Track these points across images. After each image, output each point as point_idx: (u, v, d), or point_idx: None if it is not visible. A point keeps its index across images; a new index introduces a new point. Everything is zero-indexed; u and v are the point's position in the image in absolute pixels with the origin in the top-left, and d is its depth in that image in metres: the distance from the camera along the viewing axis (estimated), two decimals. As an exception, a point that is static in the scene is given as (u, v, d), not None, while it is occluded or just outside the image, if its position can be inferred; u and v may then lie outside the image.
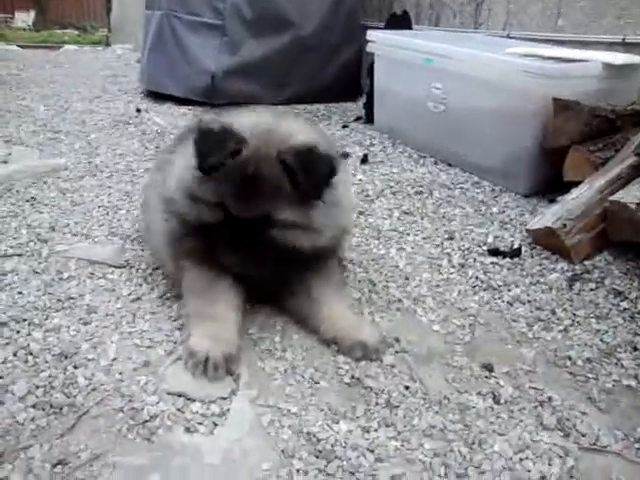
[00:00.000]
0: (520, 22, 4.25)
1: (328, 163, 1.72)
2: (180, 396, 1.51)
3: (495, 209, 2.88)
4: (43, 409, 1.43)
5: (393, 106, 3.86)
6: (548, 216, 2.49)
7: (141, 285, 2.02)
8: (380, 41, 3.88)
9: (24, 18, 22.50)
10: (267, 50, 4.67)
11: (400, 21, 4.44)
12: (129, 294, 1.95)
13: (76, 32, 20.11)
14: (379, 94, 4.01)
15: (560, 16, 3.89)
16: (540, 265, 2.38)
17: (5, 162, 3.11)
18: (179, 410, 1.46)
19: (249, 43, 4.63)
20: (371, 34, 3.94)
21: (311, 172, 1.67)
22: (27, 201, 2.67)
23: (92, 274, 2.07)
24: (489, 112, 3.13)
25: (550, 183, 2.96)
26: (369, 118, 4.23)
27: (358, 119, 4.42)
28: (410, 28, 4.46)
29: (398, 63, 3.73)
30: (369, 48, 3.97)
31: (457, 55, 3.29)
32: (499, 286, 2.23)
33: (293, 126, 1.83)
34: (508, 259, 2.42)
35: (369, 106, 4.22)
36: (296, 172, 1.64)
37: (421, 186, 3.10)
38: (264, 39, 4.66)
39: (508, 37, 4.22)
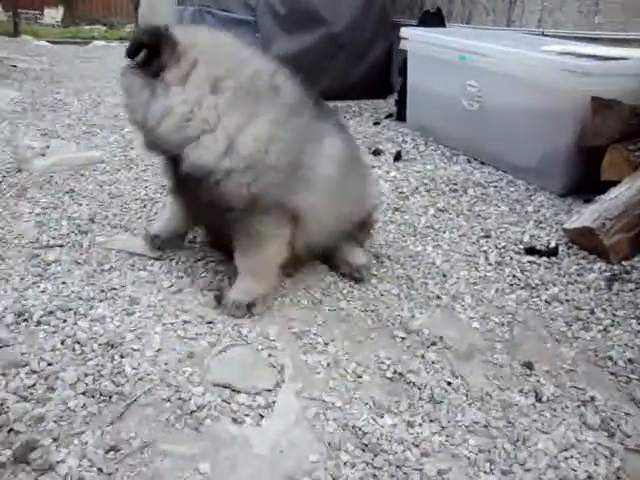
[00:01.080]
0: (555, 19, 4.20)
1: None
2: (226, 387, 1.53)
3: (530, 208, 2.86)
4: (93, 396, 1.45)
5: (426, 104, 3.85)
6: (586, 215, 2.47)
7: (181, 277, 2.03)
8: (414, 38, 3.87)
9: (53, 15, 22.77)
10: (299, 46, 4.66)
11: (433, 18, 4.42)
12: (170, 286, 1.97)
13: (103, 28, 20.30)
14: (412, 91, 4.00)
15: (598, 13, 3.85)
16: (577, 264, 2.37)
17: (44, 155, 3.15)
18: (225, 401, 1.48)
19: (281, 39, 4.63)
20: (405, 31, 3.93)
21: None
22: (66, 193, 2.71)
23: (132, 266, 2.10)
24: (525, 110, 3.11)
25: (585, 182, 2.94)
26: (401, 115, 4.22)
27: (389, 116, 4.42)
28: (443, 25, 4.44)
29: (432, 61, 3.72)
30: (402, 45, 3.96)
31: (493, 53, 3.27)
32: (536, 285, 2.22)
33: None
34: (545, 258, 2.41)
35: (401, 103, 4.21)
36: None
37: (455, 184, 3.09)
38: (296, 36, 4.65)
39: (542, 35, 4.17)
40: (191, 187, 1.81)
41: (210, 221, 2.04)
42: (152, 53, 1.71)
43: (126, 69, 1.82)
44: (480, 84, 3.37)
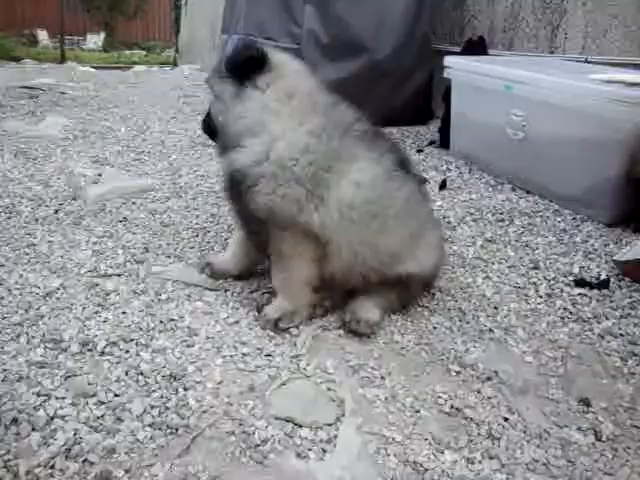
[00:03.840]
0: (599, 46, 4.20)
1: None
2: (288, 421, 1.55)
3: (578, 238, 2.85)
4: (160, 429, 1.49)
5: (470, 132, 3.87)
6: (638, 248, 2.45)
7: (237, 309, 2.07)
8: (457, 67, 3.90)
9: (95, 39, 23.42)
10: (342, 74, 4.72)
11: (476, 46, 4.45)
12: (227, 317, 2.01)
13: (143, 52, 20.78)
14: (455, 119, 4.02)
15: (643, 40, 3.84)
16: (630, 297, 2.35)
17: (96, 182, 3.24)
18: (288, 435, 1.51)
19: (324, 67, 4.70)
20: (448, 60, 3.97)
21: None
22: (120, 221, 2.78)
23: (189, 296, 2.14)
24: (571, 140, 3.11)
25: (634, 213, 2.92)
26: (444, 143, 4.24)
27: (432, 143, 4.44)
28: (486, 53, 4.47)
29: (476, 89, 3.74)
30: (446, 74, 3.99)
31: (538, 82, 3.28)
32: (588, 318, 2.21)
33: None
34: (596, 290, 2.40)
35: (444, 131, 4.24)
36: None
37: (501, 213, 3.09)
38: (339, 63, 4.72)
39: (586, 61, 4.17)
40: (236, 198, 2.00)
41: (257, 240, 2.11)
42: (251, 65, 1.94)
43: (215, 77, 2.04)
44: (525, 113, 3.38)
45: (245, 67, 1.94)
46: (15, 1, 22.57)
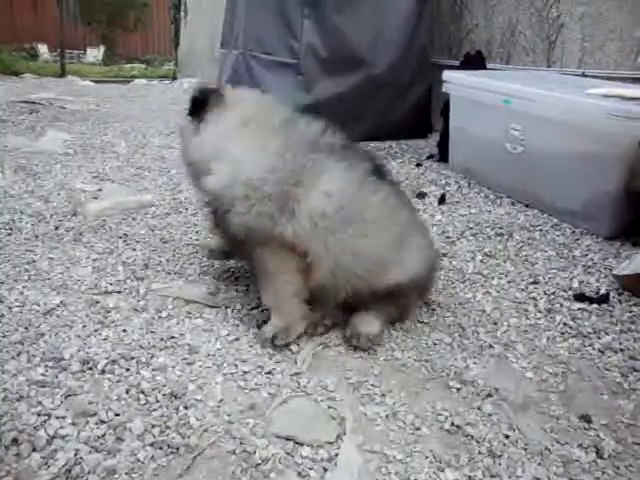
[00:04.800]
0: (596, 60, 4.22)
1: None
2: (289, 440, 1.55)
3: (577, 252, 2.86)
4: (161, 448, 1.49)
5: (469, 146, 3.89)
6: (637, 261, 2.46)
7: (238, 326, 2.08)
8: (456, 82, 3.92)
9: (94, 53, 23.55)
10: (341, 88, 4.76)
11: (474, 61, 4.47)
12: (227, 334, 2.01)
13: (143, 66, 20.86)
14: (454, 134, 4.04)
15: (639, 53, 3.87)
16: (630, 312, 2.35)
17: (96, 198, 3.26)
18: (289, 454, 1.50)
19: (323, 81, 4.73)
20: (447, 75, 3.99)
21: None
22: (120, 237, 2.79)
23: (189, 313, 2.15)
24: (570, 154, 3.12)
25: (633, 226, 2.93)
26: (442, 157, 4.26)
27: (430, 157, 4.46)
28: (484, 67, 4.50)
29: (475, 103, 3.76)
30: (445, 88, 4.01)
31: (537, 97, 3.30)
32: (589, 333, 2.21)
33: None
34: (595, 305, 2.40)
35: (443, 145, 4.25)
36: None
37: (501, 228, 3.10)
38: (338, 77, 4.75)
39: (583, 75, 4.20)
40: (220, 227, 2.17)
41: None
42: (201, 105, 2.10)
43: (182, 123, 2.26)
44: (524, 128, 3.39)
45: (195, 108, 2.12)
46: (15, 15, 22.68)
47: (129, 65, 20.62)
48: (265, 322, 2.04)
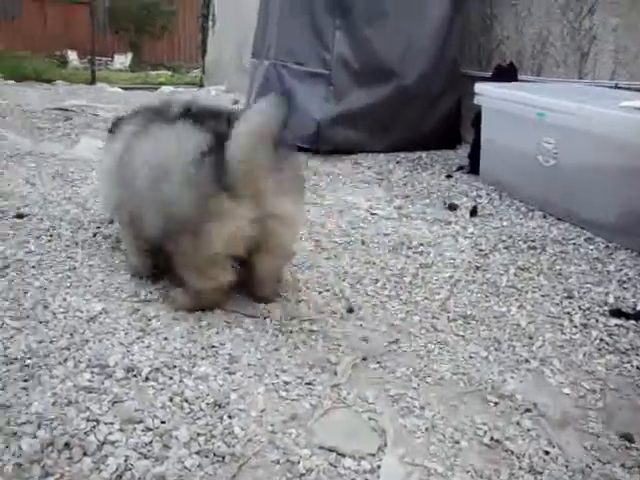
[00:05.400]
0: (630, 72, 4.21)
1: None
2: (331, 451, 1.57)
3: (612, 267, 2.85)
4: (207, 456, 1.52)
5: (500, 158, 3.90)
6: (674, 279, 2.45)
7: (277, 336, 2.11)
8: (488, 94, 3.93)
9: (122, 60, 23.88)
10: (371, 99, 4.80)
11: (506, 73, 4.48)
12: (267, 344, 2.04)
13: (169, 72, 21.10)
14: (486, 146, 4.05)
15: (676, 69, 3.85)
16: (668, 329, 2.35)
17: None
18: (332, 465, 1.53)
19: (354, 92, 4.78)
20: (479, 87, 4.00)
21: None
22: (157, 246, 2.83)
23: (228, 323, 2.18)
24: (603, 167, 3.12)
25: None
26: (473, 168, 4.27)
27: (460, 168, 4.47)
28: (516, 80, 4.50)
29: (507, 116, 3.77)
30: (476, 100, 4.02)
31: (570, 110, 3.30)
32: (626, 350, 2.21)
33: None
34: (633, 321, 2.39)
35: (473, 157, 4.27)
36: None
37: (533, 241, 3.10)
38: (368, 88, 4.79)
39: (616, 87, 4.19)
40: None
41: None
42: None
43: None
44: (557, 141, 3.39)
45: None
46: (47, 23, 23.07)
47: (155, 72, 20.87)
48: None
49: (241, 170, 1.97)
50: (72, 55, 22.73)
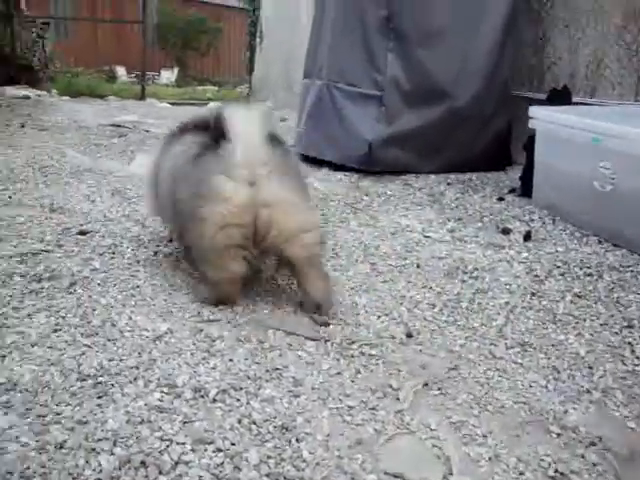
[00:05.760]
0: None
1: None
2: (397, 477, 1.60)
3: (672, 296, 2.82)
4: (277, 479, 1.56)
5: (554, 182, 3.88)
6: None
7: (338, 360, 2.14)
8: (543, 118, 3.93)
9: (168, 75, 24.40)
10: (422, 120, 4.83)
11: (560, 96, 4.46)
12: (329, 368, 2.08)
13: (215, 88, 21.46)
14: (539, 169, 4.04)
15: None
16: None
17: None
18: (399, 492, 1.55)
19: (406, 113, 4.82)
20: (533, 111, 4.00)
21: None
22: (217, 266, 2.90)
23: (290, 345, 2.22)
24: (662, 194, 3.10)
25: None
26: (525, 191, 4.26)
27: (512, 191, 4.46)
28: (570, 103, 4.48)
29: (562, 140, 3.76)
30: (531, 124, 4.02)
31: (629, 135, 3.28)
32: (693, 383, 2.18)
33: None
34: (695, 353, 2.37)
35: (525, 179, 4.25)
36: None
37: (589, 267, 3.08)
38: (420, 110, 4.83)
39: (673, 111, 4.14)
40: None
41: None
42: None
43: None
44: (614, 166, 3.37)
45: None
46: (99, 40, 23.71)
47: (202, 87, 21.25)
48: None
49: (237, 160, 2.21)
50: (120, 70, 23.34)
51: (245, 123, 2.25)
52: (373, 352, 2.21)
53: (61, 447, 1.61)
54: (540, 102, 4.61)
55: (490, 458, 1.72)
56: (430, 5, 4.82)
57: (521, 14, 5.28)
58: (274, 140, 2.35)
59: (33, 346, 2.10)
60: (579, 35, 5.03)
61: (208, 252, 2.33)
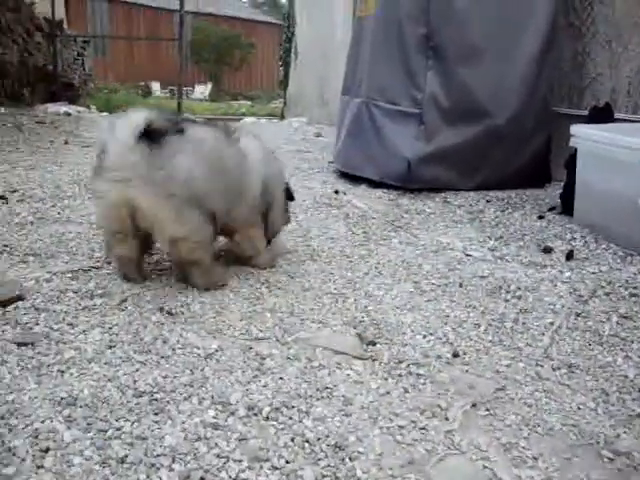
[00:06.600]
0: None
1: None
2: (451, 499, 1.62)
3: None
4: (332, 498, 1.59)
5: (596, 201, 3.87)
6: None
7: (386, 379, 2.17)
8: (585, 136, 3.92)
9: (202, 90, 24.78)
10: (461, 138, 4.86)
11: (602, 113, 4.44)
12: (377, 387, 2.11)
13: (248, 102, 21.72)
14: (580, 188, 4.03)
15: None
16: None
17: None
18: (453, 513, 1.57)
19: (445, 131, 4.85)
20: (575, 129, 3.99)
21: None
22: (262, 284, 2.95)
23: (339, 364, 2.26)
24: None
25: None
26: (565, 209, 4.24)
27: (552, 209, 4.45)
28: (612, 120, 4.46)
29: (604, 159, 3.75)
30: (572, 142, 4.01)
31: (673, 155, 3.27)
32: None
33: None
34: None
35: (566, 198, 4.24)
36: None
37: (635, 287, 3.07)
38: (459, 127, 4.86)
39: None
40: None
41: None
42: None
43: None
44: (658, 185, 3.36)
45: None
46: (134, 57, 24.17)
47: (236, 102, 21.52)
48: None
49: (107, 164, 2.59)
50: (155, 86, 23.80)
51: (117, 131, 2.57)
52: (420, 372, 2.23)
53: (122, 462, 1.67)
54: (580, 119, 4.60)
55: (542, 481, 1.73)
56: (469, 23, 4.85)
57: (560, 30, 5.29)
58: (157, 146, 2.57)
59: (90, 362, 2.17)
60: (620, 50, 5.01)
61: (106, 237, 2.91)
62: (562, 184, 4.45)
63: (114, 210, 2.59)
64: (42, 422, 1.80)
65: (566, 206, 4.24)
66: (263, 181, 3.00)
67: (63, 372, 2.09)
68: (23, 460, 1.64)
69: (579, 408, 2.10)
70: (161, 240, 2.74)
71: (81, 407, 1.89)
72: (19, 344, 2.25)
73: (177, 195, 2.56)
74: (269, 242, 3.23)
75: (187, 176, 2.58)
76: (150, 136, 2.51)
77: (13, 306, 2.54)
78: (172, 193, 2.55)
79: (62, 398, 1.93)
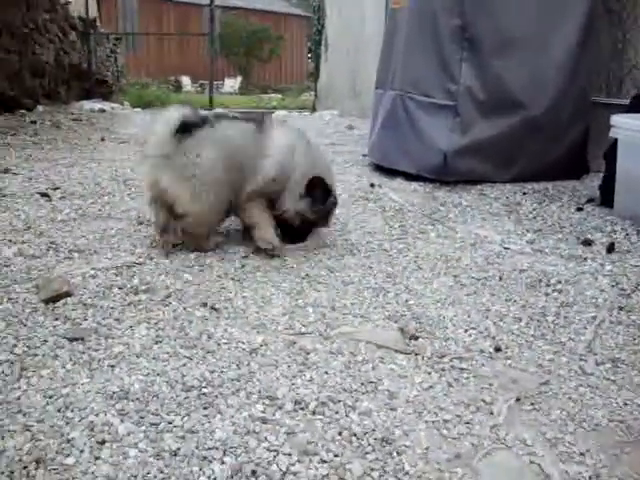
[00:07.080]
0: None
1: None
2: (499, 493, 1.63)
3: None
4: (381, 492, 1.61)
5: (638, 192, 3.81)
6: None
7: (430, 374, 2.19)
8: (626, 126, 3.87)
9: (232, 84, 24.89)
10: (497, 130, 4.82)
11: (642, 103, 4.38)
12: (421, 382, 2.13)
13: (279, 96, 21.75)
14: (621, 179, 3.98)
15: None
16: None
17: (274, 238, 3.49)
18: (502, 507, 1.59)
19: (480, 123, 4.82)
20: (616, 120, 3.94)
21: None
22: (303, 278, 2.98)
23: (382, 358, 2.28)
24: None
25: None
26: (604, 201, 4.20)
27: (590, 201, 4.40)
28: (655, 110, 4.39)
29: (646, 150, 3.70)
30: (612, 133, 3.96)
31: None
32: None
33: None
34: None
35: (606, 189, 4.19)
36: None
37: (679, 281, 3.03)
38: (495, 119, 4.82)
39: None
40: None
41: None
42: None
43: None
44: (702, 177, 3.30)
45: None
46: (165, 52, 24.38)
47: (267, 96, 21.57)
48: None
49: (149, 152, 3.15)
50: (185, 80, 23.97)
51: (157, 125, 3.13)
52: (463, 366, 2.24)
53: (175, 454, 1.71)
54: (619, 108, 4.53)
55: (590, 477, 1.73)
56: (504, 13, 4.80)
57: (599, 17, 5.20)
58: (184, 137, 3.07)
59: (138, 357, 2.22)
60: (661, 37, 4.92)
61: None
62: (601, 175, 4.40)
63: (152, 189, 3.12)
64: (97, 415, 1.86)
65: (605, 198, 4.19)
66: (281, 167, 3.23)
67: (113, 367, 2.15)
68: (82, 451, 1.69)
69: (625, 404, 2.09)
70: (177, 213, 3.13)
71: (133, 401, 1.94)
72: (70, 339, 2.31)
73: (196, 177, 3.03)
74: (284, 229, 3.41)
75: (206, 162, 3.04)
76: (183, 129, 3.02)
77: (62, 302, 2.60)
78: (192, 175, 3.02)
79: (114, 392, 1.98)
